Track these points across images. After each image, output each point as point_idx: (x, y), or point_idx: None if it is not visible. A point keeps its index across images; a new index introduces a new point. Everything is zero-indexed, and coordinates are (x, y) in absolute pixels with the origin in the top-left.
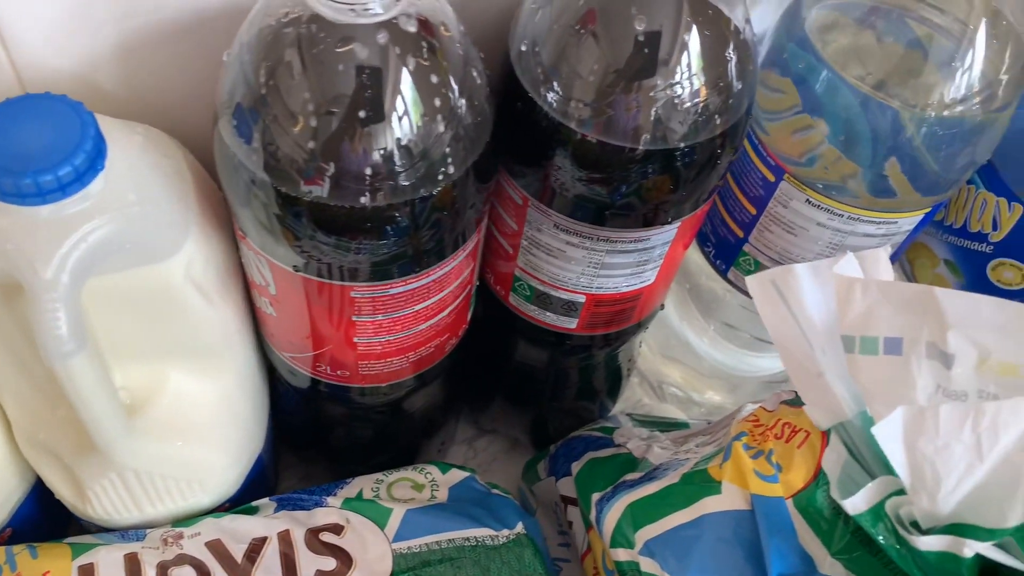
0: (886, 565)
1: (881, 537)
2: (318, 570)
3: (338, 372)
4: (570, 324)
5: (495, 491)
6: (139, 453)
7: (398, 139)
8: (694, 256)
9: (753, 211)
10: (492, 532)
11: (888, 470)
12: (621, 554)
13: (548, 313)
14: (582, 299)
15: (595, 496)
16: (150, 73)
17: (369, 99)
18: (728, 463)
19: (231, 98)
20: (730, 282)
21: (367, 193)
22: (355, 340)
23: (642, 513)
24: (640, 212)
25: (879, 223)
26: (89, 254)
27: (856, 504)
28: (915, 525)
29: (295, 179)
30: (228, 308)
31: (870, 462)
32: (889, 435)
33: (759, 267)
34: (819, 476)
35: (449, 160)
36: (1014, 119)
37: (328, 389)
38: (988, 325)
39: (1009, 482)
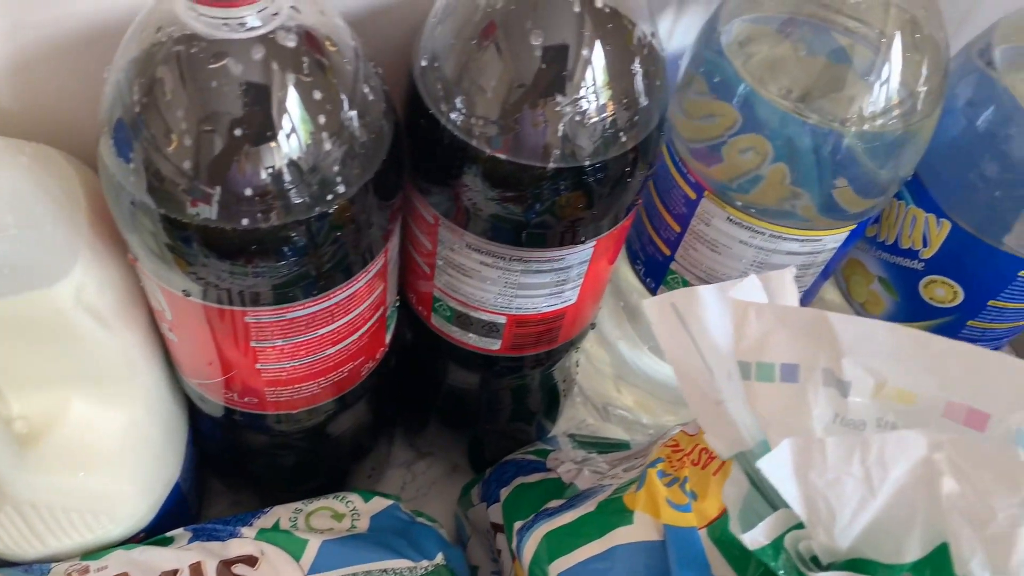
0: None
1: (782, 572)
2: None
3: (247, 399)
4: (493, 345)
5: (420, 519)
6: (35, 486)
7: (282, 157)
8: (626, 274)
9: (677, 229)
10: (410, 563)
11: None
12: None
13: (470, 334)
14: (503, 320)
15: (517, 524)
16: (47, 89)
17: (247, 116)
18: (642, 491)
19: (111, 116)
20: None
21: (252, 214)
22: (258, 367)
23: (557, 544)
24: (552, 232)
25: (803, 241)
26: None
27: (755, 538)
28: (815, 560)
29: (176, 199)
30: (130, 333)
31: (772, 494)
32: (777, 468)
33: (687, 285)
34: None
35: (339, 178)
36: (939, 133)
37: (242, 417)
38: (882, 351)
39: (905, 516)
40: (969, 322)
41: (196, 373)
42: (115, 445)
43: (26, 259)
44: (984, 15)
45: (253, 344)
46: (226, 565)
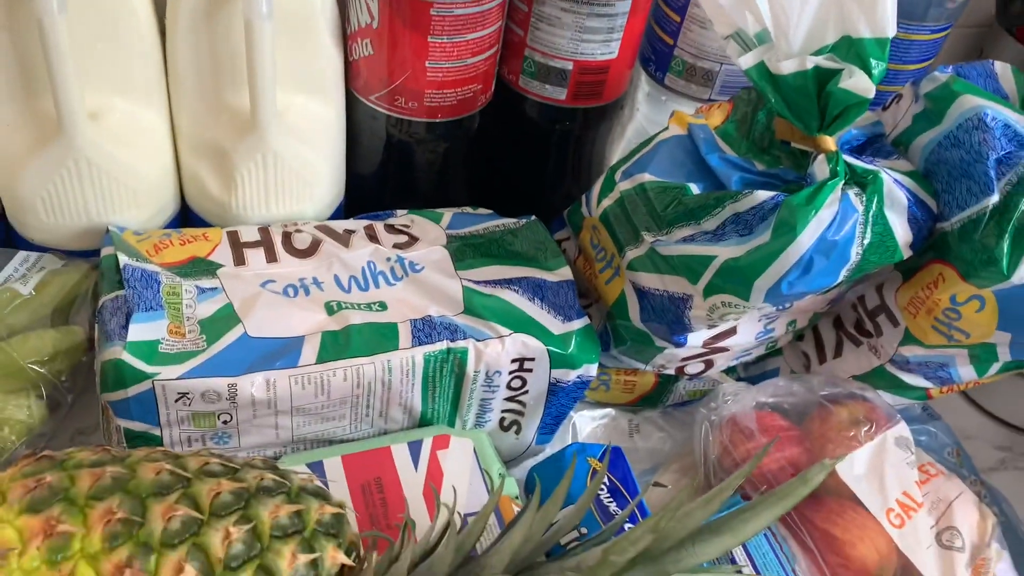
0: (773, 158)
1: (764, 81)
2: (394, 243)
3: (409, 104)
4: (561, 95)
5: None
6: (279, 135)
7: None
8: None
9: (677, 19)
10: (515, 220)
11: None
12: (606, 203)
13: (547, 86)
14: (570, 66)
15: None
16: None
17: None
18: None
19: None
20: (667, 87)
21: None
22: (427, 64)
23: (619, 165)
24: None
25: None
26: None
27: (746, 60)
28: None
29: None
30: (336, 51)
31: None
32: None
33: (686, 66)
34: (728, 119)
35: None
36: None
37: (397, 129)
38: None
39: (824, 12)
40: None
41: (379, 83)
42: (320, 133)
43: None
44: None
45: (430, 39)
46: (389, 225)
